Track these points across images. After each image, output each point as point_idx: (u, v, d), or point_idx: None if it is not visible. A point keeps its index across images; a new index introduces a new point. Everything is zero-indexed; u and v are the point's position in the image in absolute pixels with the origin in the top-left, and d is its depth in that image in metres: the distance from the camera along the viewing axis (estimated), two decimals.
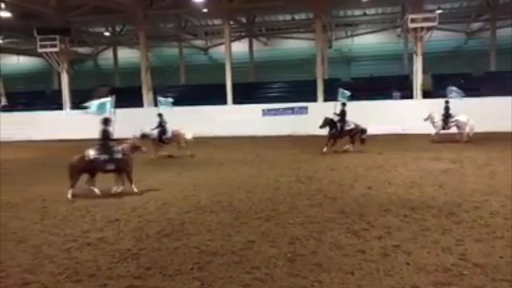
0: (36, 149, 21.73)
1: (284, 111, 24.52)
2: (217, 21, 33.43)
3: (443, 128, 18.74)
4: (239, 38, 34.09)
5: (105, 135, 10.45)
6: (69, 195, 10.12)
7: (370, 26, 35.75)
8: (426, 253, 6.17)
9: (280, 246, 6.62)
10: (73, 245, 7.00)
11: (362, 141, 16.31)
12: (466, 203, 8.73)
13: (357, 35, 36.42)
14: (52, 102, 29.15)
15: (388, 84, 27.33)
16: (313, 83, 25.27)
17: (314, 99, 24.79)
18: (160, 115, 17.00)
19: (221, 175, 12.90)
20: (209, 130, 23.38)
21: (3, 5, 24.41)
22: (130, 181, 10.65)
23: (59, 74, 28.58)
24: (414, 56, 23.88)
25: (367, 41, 35.74)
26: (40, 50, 26.53)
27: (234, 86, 26.07)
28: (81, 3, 26.43)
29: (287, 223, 7.78)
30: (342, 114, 16.08)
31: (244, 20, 32.62)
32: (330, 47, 34.92)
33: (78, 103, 21.05)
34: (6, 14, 25.32)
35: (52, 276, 5.84)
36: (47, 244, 7.07)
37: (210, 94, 26.73)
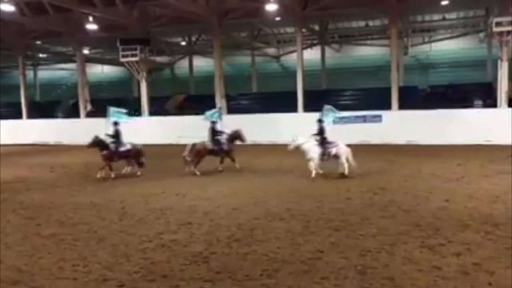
0: None
1: (356, 119, 23.99)
2: (289, 29, 33.57)
3: (323, 157, 13.40)
4: (311, 45, 33.97)
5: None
6: None
7: (450, 31, 34.08)
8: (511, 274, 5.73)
9: (350, 258, 6.47)
10: (148, 245, 7.31)
11: (140, 165, 15.07)
12: None
13: (435, 41, 34.90)
14: (133, 108, 30.72)
15: (469, 92, 25.87)
16: (388, 90, 24.50)
17: (388, 107, 24.03)
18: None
19: (291, 182, 12.87)
20: (279, 137, 23.43)
21: (90, 19, 26.35)
22: None
23: (138, 82, 30.11)
24: (499, 62, 22.34)
25: (446, 46, 34.08)
26: (122, 60, 28.14)
27: (306, 93, 25.94)
28: (160, 14, 27.78)
29: (358, 234, 7.59)
30: (116, 134, 14.90)
31: (316, 27, 32.44)
32: (405, 53, 33.68)
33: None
34: (93, 27, 27.31)
35: (129, 274, 6.15)
36: (124, 243, 7.45)
37: (282, 102, 26.82)
